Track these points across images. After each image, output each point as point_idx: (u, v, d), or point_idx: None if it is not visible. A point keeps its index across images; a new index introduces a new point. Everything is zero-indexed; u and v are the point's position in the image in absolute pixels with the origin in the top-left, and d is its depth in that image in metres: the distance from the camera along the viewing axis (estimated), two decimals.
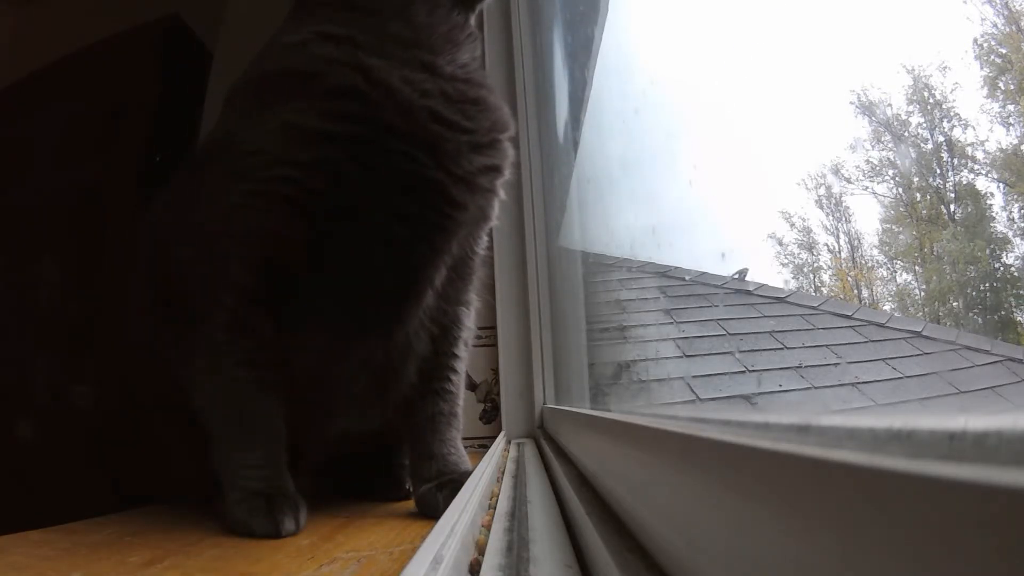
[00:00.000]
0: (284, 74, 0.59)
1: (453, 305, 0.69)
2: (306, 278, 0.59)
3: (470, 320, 0.73)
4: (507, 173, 0.66)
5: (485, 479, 0.59)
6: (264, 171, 0.57)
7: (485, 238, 0.70)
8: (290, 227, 0.58)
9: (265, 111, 0.59)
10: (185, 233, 0.63)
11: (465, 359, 0.73)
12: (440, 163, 0.58)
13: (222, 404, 0.59)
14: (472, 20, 0.68)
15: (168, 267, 0.64)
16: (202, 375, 0.60)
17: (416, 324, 0.65)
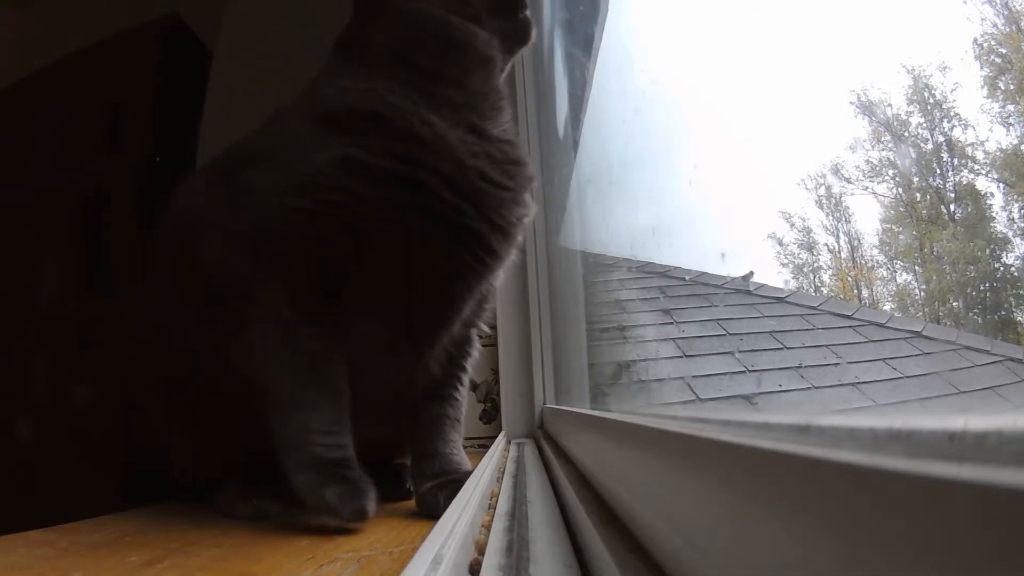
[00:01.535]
0: (352, 113, 0.62)
1: (468, 328, 0.74)
2: (347, 296, 0.62)
3: (476, 339, 0.78)
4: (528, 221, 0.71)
5: (485, 479, 0.59)
6: (324, 194, 0.59)
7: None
8: (337, 250, 0.60)
9: (328, 140, 0.61)
10: (228, 226, 0.63)
11: (470, 371, 0.77)
12: (484, 215, 0.63)
13: (296, 371, 0.60)
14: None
15: (204, 256, 0.64)
16: (268, 352, 0.60)
17: (439, 346, 0.70)
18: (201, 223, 0.66)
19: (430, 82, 0.65)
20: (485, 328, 0.77)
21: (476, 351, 0.77)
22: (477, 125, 0.65)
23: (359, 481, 0.56)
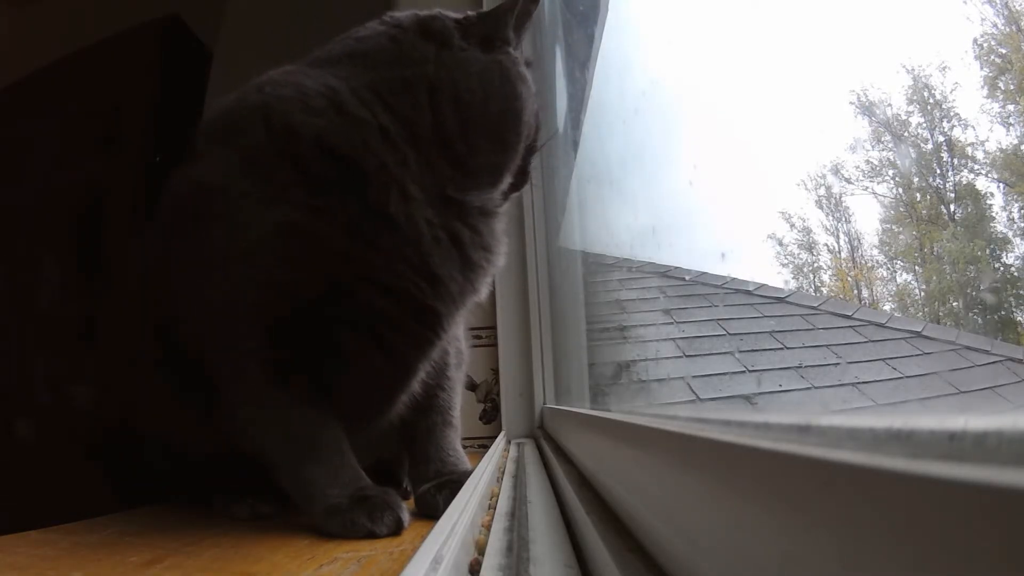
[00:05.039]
0: (316, 147, 0.56)
1: (442, 352, 0.71)
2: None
3: (461, 344, 0.75)
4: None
5: (485, 479, 0.59)
6: (268, 270, 0.57)
7: None
8: (293, 323, 0.58)
9: (275, 188, 0.56)
10: (191, 299, 0.61)
11: (458, 378, 0.75)
12: (437, 293, 0.60)
13: (288, 435, 0.59)
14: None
15: (176, 321, 0.63)
16: (256, 417, 0.59)
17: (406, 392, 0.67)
18: (167, 295, 0.63)
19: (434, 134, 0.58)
20: (461, 335, 0.76)
21: (458, 357, 0.75)
22: (453, 197, 0.60)
23: (384, 495, 0.55)
